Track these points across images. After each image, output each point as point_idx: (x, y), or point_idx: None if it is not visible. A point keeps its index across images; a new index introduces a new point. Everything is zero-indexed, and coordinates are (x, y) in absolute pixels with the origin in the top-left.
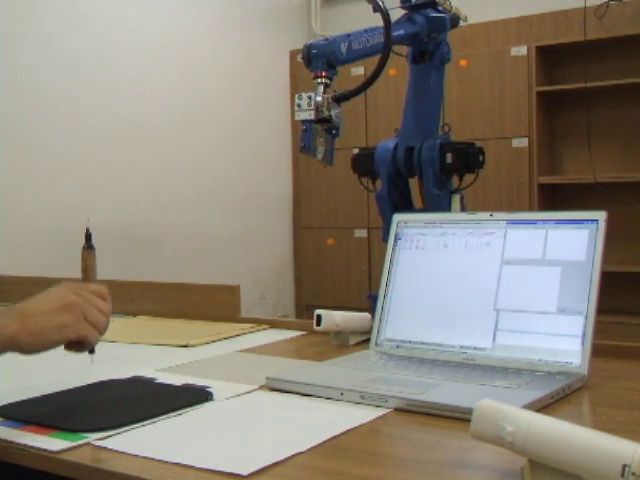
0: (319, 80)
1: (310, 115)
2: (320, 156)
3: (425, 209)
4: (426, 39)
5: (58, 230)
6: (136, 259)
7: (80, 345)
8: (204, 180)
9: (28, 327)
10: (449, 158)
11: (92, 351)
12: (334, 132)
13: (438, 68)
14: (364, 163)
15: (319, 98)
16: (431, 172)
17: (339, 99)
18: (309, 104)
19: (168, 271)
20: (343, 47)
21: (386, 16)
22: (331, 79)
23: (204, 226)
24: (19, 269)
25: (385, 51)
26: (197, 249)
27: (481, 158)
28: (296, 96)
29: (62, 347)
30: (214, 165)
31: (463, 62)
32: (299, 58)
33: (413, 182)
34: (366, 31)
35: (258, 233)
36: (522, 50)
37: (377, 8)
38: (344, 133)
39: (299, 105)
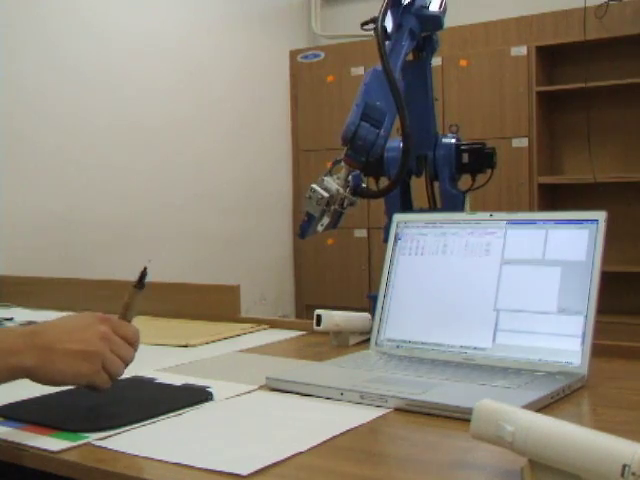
0: (346, 166)
1: (316, 212)
2: (321, 228)
3: (442, 209)
4: (420, 40)
5: (58, 230)
6: (136, 259)
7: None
8: (204, 180)
9: (45, 366)
10: (465, 158)
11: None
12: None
13: (430, 60)
14: (369, 163)
15: (334, 190)
16: (447, 172)
17: (356, 193)
18: (319, 202)
19: (168, 271)
20: (384, 141)
21: (400, 102)
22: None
23: (204, 226)
24: (19, 269)
25: (403, 162)
26: (197, 249)
27: (494, 158)
28: (310, 189)
29: None
30: (214, 165)
31: (463, 62)
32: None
33: (413, 182)
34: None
35: (258, 233)
36: (522, 50)
37: (391, 85)
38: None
39: (310, 197)
